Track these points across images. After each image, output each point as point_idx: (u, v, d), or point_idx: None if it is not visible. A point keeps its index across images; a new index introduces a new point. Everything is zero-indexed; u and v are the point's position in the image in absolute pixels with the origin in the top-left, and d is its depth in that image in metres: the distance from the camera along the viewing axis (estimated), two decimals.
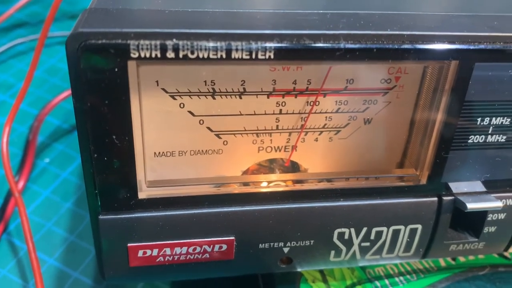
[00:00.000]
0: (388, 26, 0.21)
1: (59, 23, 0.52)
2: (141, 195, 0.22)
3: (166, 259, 0.23)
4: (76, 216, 0.35)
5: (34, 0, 0.51)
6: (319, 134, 0.25)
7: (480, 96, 0.23)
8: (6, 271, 0.32)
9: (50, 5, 0.33)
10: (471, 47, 0.21)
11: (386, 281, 0.28)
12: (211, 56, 0.19)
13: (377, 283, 0.28)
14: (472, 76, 0.22)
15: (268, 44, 0.19)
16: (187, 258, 0.24)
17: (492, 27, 0.22)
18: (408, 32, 0.21)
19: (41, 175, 0.38)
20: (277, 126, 0.25)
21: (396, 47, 0.20)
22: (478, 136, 0.24)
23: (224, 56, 0.19)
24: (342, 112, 0.25)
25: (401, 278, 0.29)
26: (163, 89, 0.22)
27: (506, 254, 0.31)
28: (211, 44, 0.19)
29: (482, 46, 0.21)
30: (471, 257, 0.30)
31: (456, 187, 0.25)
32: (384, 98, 0.25)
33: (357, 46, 0.20)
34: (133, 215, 0.22)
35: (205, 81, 0.22)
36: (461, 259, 0.30)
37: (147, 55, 0.19)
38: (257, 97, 0.23)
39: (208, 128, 0.24)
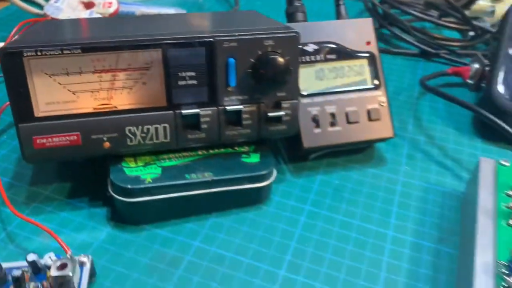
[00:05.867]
0: (125, 37, 0.53)
1: None
2: (37, 113, 0.53)
3: (53, 143, 0.54)
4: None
5: None
6: (122, 90, 0.56)
7: (177, 67, 0.54)
8: None
9: None
10: (164, 41, 0.53)
11: (167, 160, 0.59)
12: (54, 53, 0.51)
13: (162, 161, 0.59)
14: (168, 56, 0.54)
15: (76, 46, 0.51)
16: (61, 142, 0.54)
17: (181, 33, 0.54)
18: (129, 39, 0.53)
19: None
20: (101, 87, 0.56)
21: (122, 45, 0.52)
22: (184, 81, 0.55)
23: (61, 53, 0.51)
24: (130, 79, 0.56)
25: (176, 157, 0.59)
26: (45, 73, 0.53)
27: (236, 148, 0.62)
28: (57, 47, 0.51)
29: (168, 41, 0.53)
30: (217, 150, 0.61)
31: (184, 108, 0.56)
32: (146, 77, 0.56)
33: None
34: (34, 123, 0.53)
35: (66, 68, 0.54)
36: (211, 151, 0.61)
37: (30, 54, 0.50)
38: (92, 74, 0.55)
39: (69, 90, 0.55)
